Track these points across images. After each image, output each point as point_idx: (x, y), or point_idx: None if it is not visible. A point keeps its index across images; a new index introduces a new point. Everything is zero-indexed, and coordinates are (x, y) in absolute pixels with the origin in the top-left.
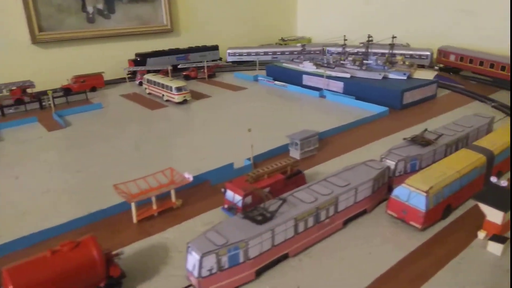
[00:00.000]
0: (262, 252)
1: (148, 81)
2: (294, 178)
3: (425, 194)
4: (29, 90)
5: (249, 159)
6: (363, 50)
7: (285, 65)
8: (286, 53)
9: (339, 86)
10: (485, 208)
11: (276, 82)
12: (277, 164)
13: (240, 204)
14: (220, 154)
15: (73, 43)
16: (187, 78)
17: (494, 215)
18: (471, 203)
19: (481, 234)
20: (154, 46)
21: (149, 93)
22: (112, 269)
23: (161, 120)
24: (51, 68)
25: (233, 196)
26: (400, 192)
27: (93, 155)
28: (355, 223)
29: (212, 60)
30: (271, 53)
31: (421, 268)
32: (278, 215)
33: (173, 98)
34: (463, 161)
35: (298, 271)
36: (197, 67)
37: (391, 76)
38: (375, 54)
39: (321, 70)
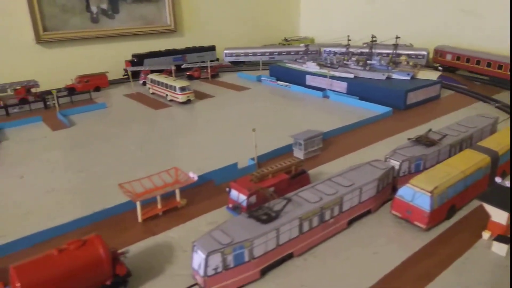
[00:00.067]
0: (267, 252)
1: (152, 81)
2: (298, 178)
3: (429, 194)
4: (33, 90)
5: (253, 159)
6: (367, 50)
7: (288, 65)
8: (292, 53)
9: (342, 86)
10: (489, 209)
11: (279, 82)
12: (281, 164)
13: (244, 204)
14: (224, 154)
15: (77, 43)
16: (190, 78)
17: (498, 216)
18: (475, 203)
19: (486, 235)
20: (157, 46)
21: (153, 93)
22: (118, 268)
23: (164, 120)
24: (55, 67)
25: (238, 196)
26: (405, 192)
27: (97, 154)
28: (360, 223)
29: (211, 60)
30: (268, 53)
31: (425, 268)
32: (283, 215)
33: (176, 98)
34: (468, 162)
35: (303, 271)
36: (201, 67)
37: (394, 76)
38: (378, 54)
39: (324, 70)
